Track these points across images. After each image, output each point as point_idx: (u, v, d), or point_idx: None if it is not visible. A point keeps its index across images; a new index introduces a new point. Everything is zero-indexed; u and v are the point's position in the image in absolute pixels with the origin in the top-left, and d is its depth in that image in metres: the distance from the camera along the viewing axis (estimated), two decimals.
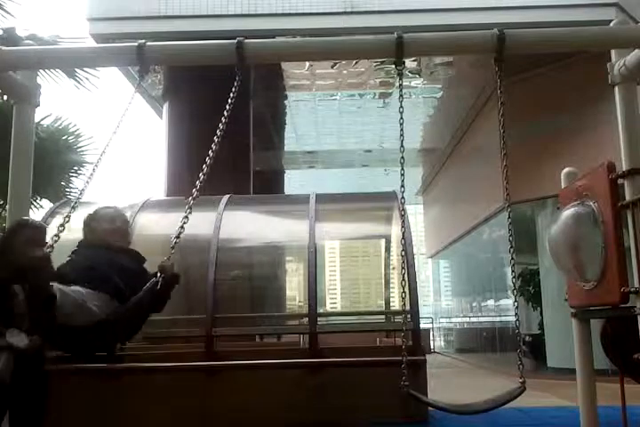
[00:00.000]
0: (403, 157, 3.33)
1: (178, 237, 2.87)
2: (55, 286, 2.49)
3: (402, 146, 3.33)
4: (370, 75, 11.53)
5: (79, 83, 7.15)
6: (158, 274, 2.70)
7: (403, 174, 3.37)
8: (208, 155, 3.05)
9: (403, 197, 3.44)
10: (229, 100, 3.09)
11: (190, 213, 2.99)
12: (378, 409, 4.82)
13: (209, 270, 5.45)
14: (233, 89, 3.12)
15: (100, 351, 2.78)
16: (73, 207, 3.11)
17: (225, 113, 3.09)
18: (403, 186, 3.39)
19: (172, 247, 2.80)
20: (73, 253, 3.11)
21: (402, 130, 3.33)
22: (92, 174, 3.18)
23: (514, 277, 3.69)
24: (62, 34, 7.51)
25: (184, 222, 2.92)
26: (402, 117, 3.32)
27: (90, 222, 3.18)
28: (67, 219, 2.98)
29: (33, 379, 2.75)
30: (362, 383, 4.89)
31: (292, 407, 4.86)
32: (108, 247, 2.98)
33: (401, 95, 3.36)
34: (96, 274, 2.75)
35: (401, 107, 3.35)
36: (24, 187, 3.79)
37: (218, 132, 3.07)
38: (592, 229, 3.57)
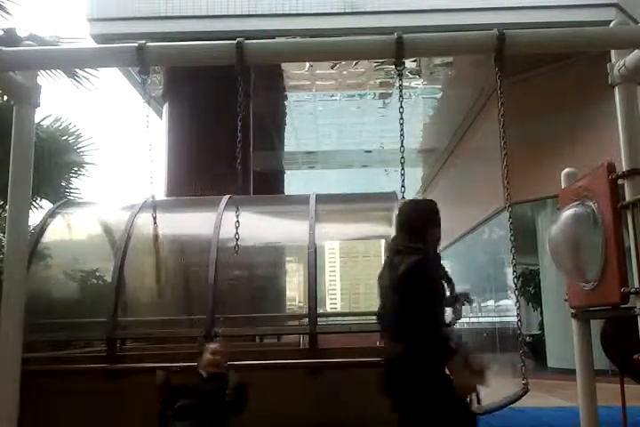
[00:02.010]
0: (403, 158, 3.33)
1: None
2: None
3: (402, 146, 3.33)
4: (370, 75, 11.53)
5: (79, 83, 7.14)
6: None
7: (403, 175, 3.37)
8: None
9: (403, 197, 3.45)
10: (239, 99, 3.09)
11: None
12: (377, 409, 4.81)
13: (209, 271, 5.44)
14: (240, 92, 3.12)
15: None
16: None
17: (238, 111, 3.08)
18: (403, 186, 3.39)
19: None
20: None
21: (402, 130, 3.34)
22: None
23: (515, 277, 3.66)
24: (62, 34, 7.50)
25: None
26: (402, 118, 3.32)
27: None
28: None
29: None
30: (362, 384, 4.87)
31: (291, 408, 4.85)
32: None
33: (401, 96, 3.37)
34: None
35: (401, 107, 3.36)
36: (24, 187, 3.79)
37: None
38: (592, 230, 3.57)
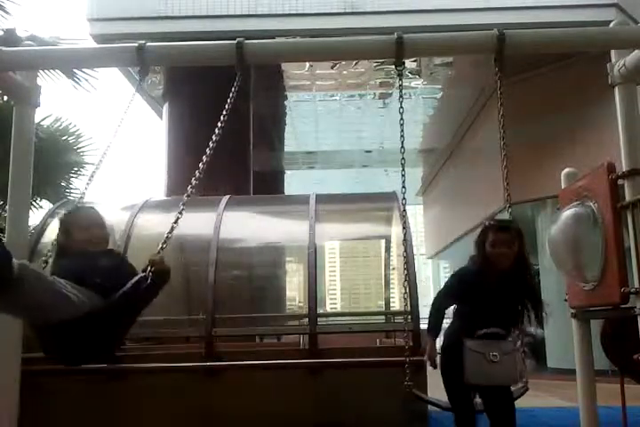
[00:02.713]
0: (403, 158, 3.33)
1: (170, 232, 2.77)
2: (21, 262, 2.20)
3: (402, 147, 3.33)
4: (370, 75, 11.53)
5: (78, 83, 7.15)
6: (148, 269, 2.51)
7: (403, 175, 3.37)
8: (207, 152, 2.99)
9: (404, 198, 3.44)
10: (229, 100, 3.09)
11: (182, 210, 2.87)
12: (378, 410, 4.81)
13: (209, 271, 5.45)
14: (233, 89, 3.11)
15: (97, 353, 2.59)
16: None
17: (224, 112, 3.08)
18: (404, 186, 3.39)
19: (164, 242, 2.70)
20: (49, 261, 2.91)
21: (402, 130, 3.33)
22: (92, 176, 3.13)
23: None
24: (62, 34, 7.50)
25: (177, 218, 2.82)
26: (402, 118, 3.32)
27: (64, 227, 2.80)
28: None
29: None
30: (362, 384, 4.88)
31: (291, 408, 4.85)
32: (85, 253, 2.70)
33: (401, 96, 3.37)
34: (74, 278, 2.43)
35: (401, 107, 3.35)
36: (24, 187, 3.79)
37: (216, 131, 3.04)
38: (592, 230, 3.57)
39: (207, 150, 2.99)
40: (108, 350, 2.74)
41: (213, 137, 3.00)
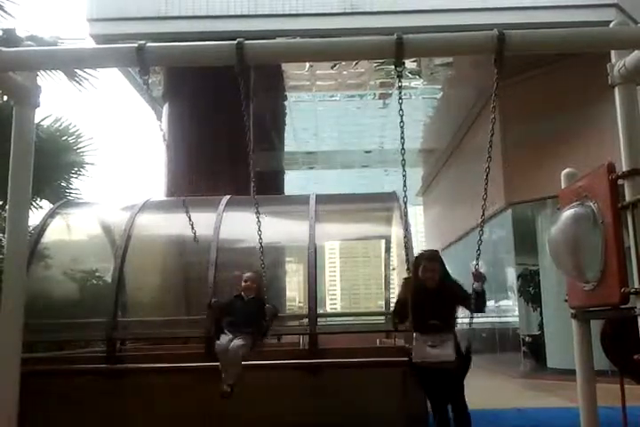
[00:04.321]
0: (404, 159, 3.34)
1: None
2: None
3: (402, 148, 3.34)
4: (370, 75, 11.53)
5: (78, 83, 7.14)
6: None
7: (404, 175, 3.38)
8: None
9: (405, 196, 3.44)
10: (243, 102, 3.08)
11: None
12: (377, 410, 4.82)
13: (209, 271, 5.45)
14: (241, 90, 3.11)
15: None
16: None
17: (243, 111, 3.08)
18: (405, 185, 3.39)
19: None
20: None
21: (402, 131, 3.34)
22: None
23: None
24: (62, 35, 7.50)
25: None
26: (402, 119, 3.32)
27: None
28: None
29: None
30: (361, 384, 4.88)
31: (291, 408, 4.85)
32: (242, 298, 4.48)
33: (400, 97, 3.37)
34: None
35: (400, 109, 3.36)
36: (24, 187, 3.78)
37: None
38: (592, 230, 3.57)
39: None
40: None
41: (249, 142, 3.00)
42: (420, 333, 3.97)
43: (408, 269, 4.21)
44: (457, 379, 4.11)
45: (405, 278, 4.25)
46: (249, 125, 3.56)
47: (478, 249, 3.88)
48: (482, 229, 3.83)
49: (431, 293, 4.09)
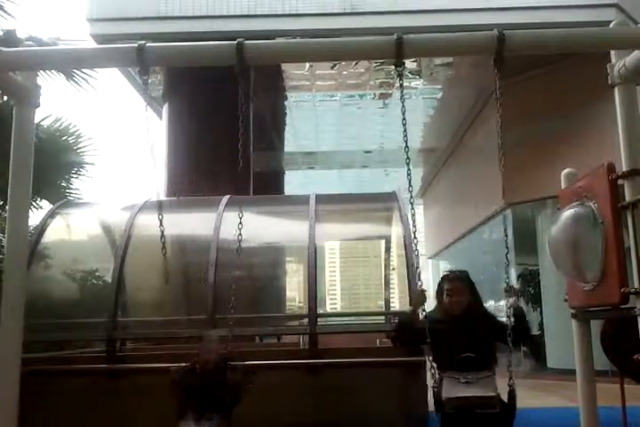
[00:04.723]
0: (408, 157, 3.33)
1: None
2: None
3: (406, 146, 3.33)
4: (370, 76, 11.53)
5: (78, 84, 7.13)
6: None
7: (409, 172, 3.36)
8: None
9: (410, 194, 3.40)
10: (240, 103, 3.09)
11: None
12: (377, 410, 4.81)
13: (209, 271, 5.45)
14: (240, 92, 3.11)
15: None
16: None
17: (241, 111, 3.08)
18: (410, 183, 3.35)
19: None
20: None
21: (405, 130, 3.33)
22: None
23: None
24: (62, 35, 7.50)
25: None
26: (404, 116, 3.32)
27: None
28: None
29: None
30: (362, 384, 4.88)
31: (291, 408, 4.85)
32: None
33: (402, 96, 3.37)
34: None
35: (402, 106, 3.35)
36: (24, 187, 3.78)
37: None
38: (592, 230, 3.56)
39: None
40: None
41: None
42: (450, 370, 3.29)
43: (415, 266, 3.76)
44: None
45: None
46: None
47: (507, 260, 3.50)
48: (506, 239, 3.61)
49: (460, 320, 3.43)
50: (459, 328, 3.39)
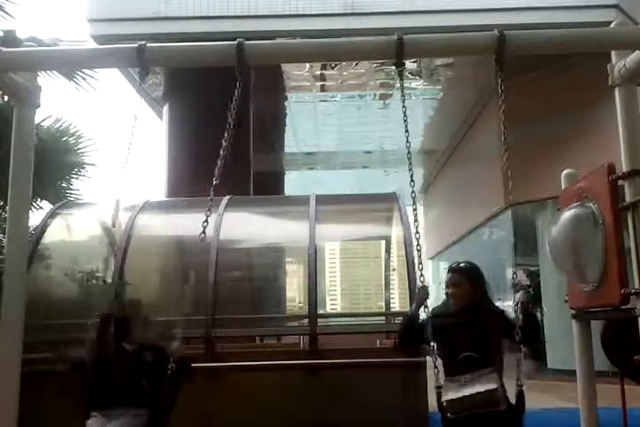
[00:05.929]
0: (410, 155, 3.32)
1: None
2: None
3: (408, 144, 3.32)
4: (370, 76, 11.54)
5: (78, 84, 7.14)
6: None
7: (411, 170, 3.35)
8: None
9: (413, 192, 3.39)
10: (232, 104, 3.08)
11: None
12: (377, 410, 4.81)
13: (209, 271, 5.45)
14: (235, 91, 3.11)
15: None
16: None
17: (229, 116, 3.08)
18: (412, 181, 3.34)
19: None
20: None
21: (407, 131, 3.32)
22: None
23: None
24: (62, 36, 7.50)
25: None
26: (405, 114, 3.32)
27: None
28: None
29: None
30: (362, 384, 4.88)
31: (291, 408, 4.85)
32: None
33: (403, 96, 3.37)
34: None
35: (404, 107, 3.35)
36: (24, 188, 3.78)
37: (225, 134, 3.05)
38: (592, 231, 3.56)
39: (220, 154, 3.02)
40: None
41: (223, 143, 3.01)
42: (450, 371, 3.18)
43: (420, 266, 3.46)
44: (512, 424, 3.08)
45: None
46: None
47: (514, 251, 3.46)
48: (516, 236, 3.62)
49: (460, 316, 3.30)
50: (459, 324, 3.26)
